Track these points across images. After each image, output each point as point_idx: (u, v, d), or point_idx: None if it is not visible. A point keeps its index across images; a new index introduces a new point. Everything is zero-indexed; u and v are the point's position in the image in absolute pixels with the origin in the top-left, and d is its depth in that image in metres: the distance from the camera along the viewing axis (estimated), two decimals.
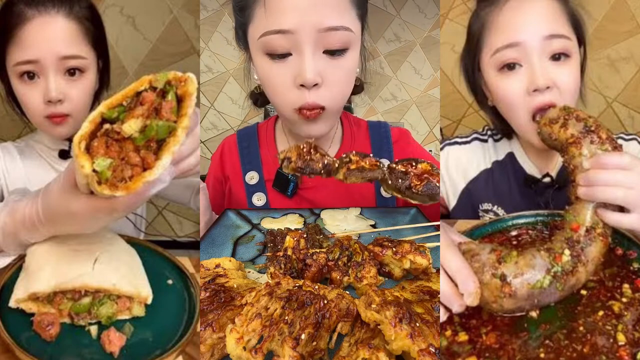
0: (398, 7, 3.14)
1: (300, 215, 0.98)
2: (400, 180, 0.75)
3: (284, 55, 0.90)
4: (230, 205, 1.14)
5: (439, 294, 0.63)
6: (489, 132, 1.14)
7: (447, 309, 0.62)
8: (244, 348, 0.50)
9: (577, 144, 0.70)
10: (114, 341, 0.64)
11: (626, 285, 0.68)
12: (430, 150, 3.16)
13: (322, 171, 0.75)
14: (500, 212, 1.07)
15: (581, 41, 0.97)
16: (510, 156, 1.09)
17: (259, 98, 1.14)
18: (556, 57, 0.90)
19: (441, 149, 1.17)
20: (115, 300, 0.69)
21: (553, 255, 0.65)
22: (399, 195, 0.77)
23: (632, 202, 0.66)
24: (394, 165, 0.77)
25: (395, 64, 3.22)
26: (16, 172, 1.10)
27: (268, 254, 0.80)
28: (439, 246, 0.72)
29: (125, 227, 1.12)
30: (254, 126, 1.20)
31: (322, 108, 0.93)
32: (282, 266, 0.71)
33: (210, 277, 0.66)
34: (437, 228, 0.89)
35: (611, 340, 0.59)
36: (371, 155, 0.78)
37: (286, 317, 0.53)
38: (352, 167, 0.76)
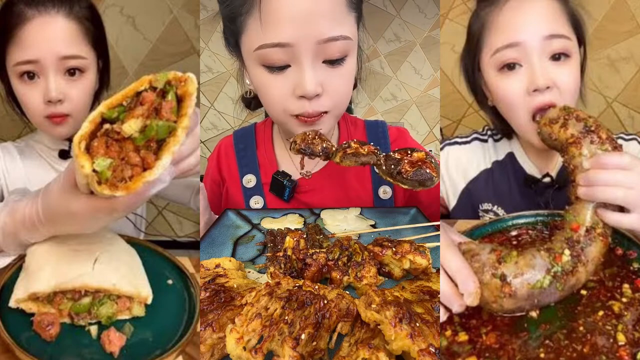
0: (398, 7, 3.13)
1: (300, 215, 0.98)
2: (393, 166, 0.78)
3: (281, 68, 0.89)
4: (228, 207, 1.13)
5: (439, 294, 0.63)
6: (489, 132, 1.14)
7: (447, 309, 0.62)
8: (244, 348, 0.50)
9: (577, 144, 0.70)
10: (114, 341, 0.64)
11: (626, 285, 0.68)
12: (431, 150, 3.16)
13: (321, 153, 0.85)
14: (500, 212, 1.07)
15: (581, 41, 0.97)
16: (510, 156, 1.09)
17: (252, 102, 1.13)
18: (556, 57, 0.90)
19: (441, 149, 1.17)
20: (115, 300, 0.69)
21: (553, 255, 0.65)
22: (391, 180, 0.79)
23: (632, 202, 0.66)
24: (391, 153, 0.80)
25: (395, 64, 3.22)
26: (16, 172, 1.10)
27: (268, 254, 0.80)
28: (439, 246, 0.72)
29: (125, 227, 1.12)
30: (252, 127, 1.18)
31: (325, 112, 0.92)
32: (282, 266, 0.71)
33: (210, 277, 0.66)
34: (437, 228, 0.89)
35: (611, 340, 0.59)
36: (371, 144, 0.83)
37: (286, 317, 0.53)
38: (349, 151, 0.81)
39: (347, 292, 0.62)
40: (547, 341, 0.61)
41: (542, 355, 0.59)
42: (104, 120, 0.57)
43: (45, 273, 0.68)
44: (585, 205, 0.68)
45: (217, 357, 0.56)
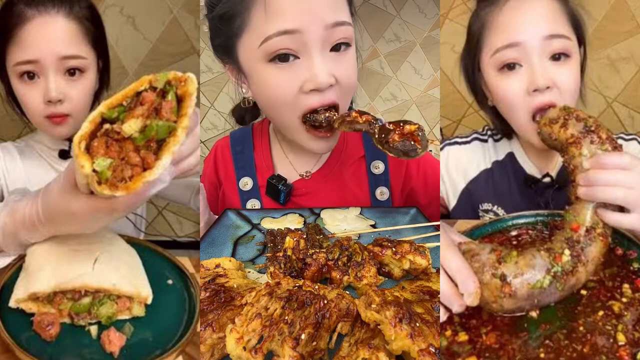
0: (398, 7, 3.13)
1: (300, 215, 0.98)
2: (383, 135, 0.80)
3: (288, 59, 0.86)
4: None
5: (439, 294, 0.63)
6: (489, 132, 1.14)
7: (447, 309, 0.62)
8: (244, 348, 0.50)
9: (577, 144, 0.70)
10: (114, 341, 0.64)
11: (626, 285, 0.68)
12: (430, 150, 3.16)
13: (324, 122, 0.90)
14: (500, 212, 1.07)
15: (581, 41, 0.97)
16: (510, 156, 1.09)
17: (246, 114, 1.11)
18: (556, 57, 0.90)
19: (441, 149, 1.17)
20: (115, 300, 0.69)
21: (553, 255, 0.65)
22: (381, 148, 0.81)
23: (632, 202, 0.66)
24: (386, 124, 0.83)
25: (395, 64, 3.22)
26: (16, 172, 1.10)
27: (268, 254, 0.80)
28: (438, 246, 0.72)
29: (125, 227, 1.12)
30: (249, 128, 1.15)
31: (335, 107, 0.90)
32: (282, 266, 0.71)
33: (210, 277, 0.66)
34: (437, 228, 0.89)
35: (611, 340, 0.59)
36: (370, 114, 0.87)
37: (286, 317, 0.53)
38: (348, 119, 0.86)
39: (347, 292, 0.62)
40: (547, 341, 0.61)
41: (542, 355, 0.59)
42: (104, 120, 0.57)
43: (45, 273, 0.68)
44: (585, 205, 0.68)
45: (217, 357, 0.56)
